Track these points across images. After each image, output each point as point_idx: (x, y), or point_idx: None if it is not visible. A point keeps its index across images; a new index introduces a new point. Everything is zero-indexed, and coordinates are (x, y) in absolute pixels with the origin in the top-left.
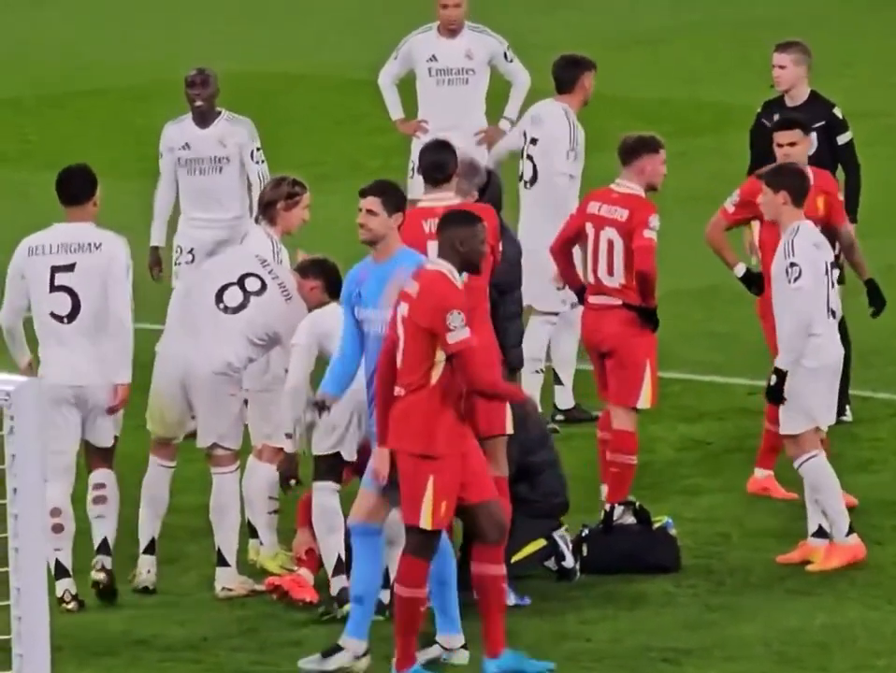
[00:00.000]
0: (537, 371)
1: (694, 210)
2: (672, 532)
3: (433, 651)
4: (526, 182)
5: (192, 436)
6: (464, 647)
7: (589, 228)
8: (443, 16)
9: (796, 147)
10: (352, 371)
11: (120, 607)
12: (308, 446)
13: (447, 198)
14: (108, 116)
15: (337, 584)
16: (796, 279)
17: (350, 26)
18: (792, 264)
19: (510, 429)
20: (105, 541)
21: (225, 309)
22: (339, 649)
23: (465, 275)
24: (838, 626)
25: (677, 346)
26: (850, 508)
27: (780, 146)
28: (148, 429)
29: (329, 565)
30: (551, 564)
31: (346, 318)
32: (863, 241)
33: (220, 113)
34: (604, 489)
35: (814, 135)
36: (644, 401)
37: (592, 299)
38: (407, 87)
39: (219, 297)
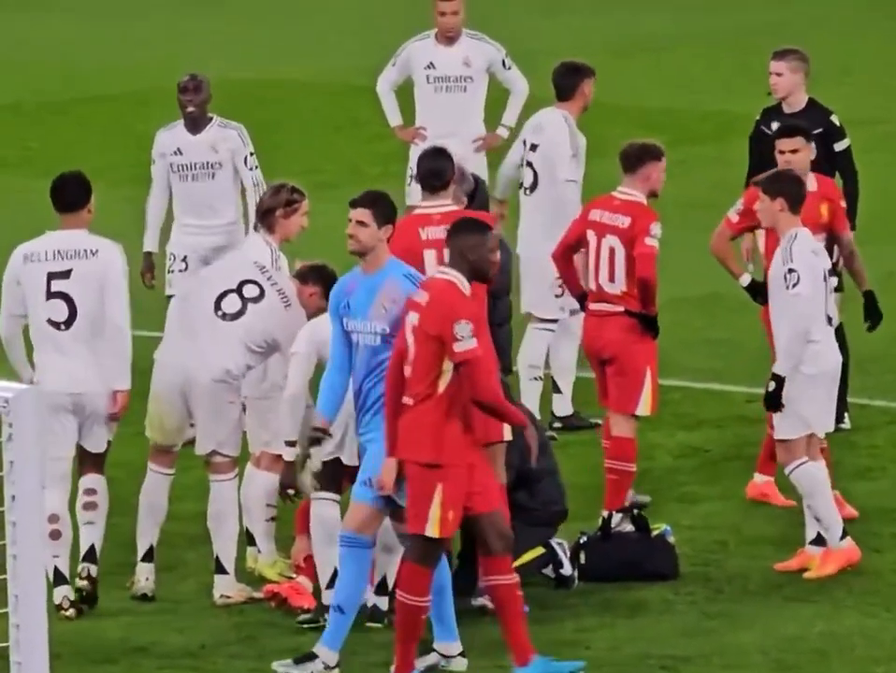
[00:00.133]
0: (535, 378)
1: (695, 218)
2: (671, 539)
3: (431, 659)
4: (526, 189)
5: (190, 443)
6: (462, 654)
7: (591, 235)
8: (441, 23)
9: (798, 154)
10: (344, 382)
11: (118, 614)
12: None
13: (444, 205)
14: (109, 122)
15: (329, 596)
16: (794, 285)
17: (350, 32)
18: (791, 270)
19: (508, 436)
20: (92, 548)
21: (224, 316)
22: (312, 656)
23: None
24: (836, 634)
25: (677, 353)
26: (850, 519)
27: (782, 153)
28: (147, 436)
29: (324, 576)
30: (549, 571)
31: (334, 329)
32: (862, 248)
33: (211, 119)
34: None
35: None
36: (644, 408)
37: (593, 306)
38: (406, 94)
39: (217, 304)
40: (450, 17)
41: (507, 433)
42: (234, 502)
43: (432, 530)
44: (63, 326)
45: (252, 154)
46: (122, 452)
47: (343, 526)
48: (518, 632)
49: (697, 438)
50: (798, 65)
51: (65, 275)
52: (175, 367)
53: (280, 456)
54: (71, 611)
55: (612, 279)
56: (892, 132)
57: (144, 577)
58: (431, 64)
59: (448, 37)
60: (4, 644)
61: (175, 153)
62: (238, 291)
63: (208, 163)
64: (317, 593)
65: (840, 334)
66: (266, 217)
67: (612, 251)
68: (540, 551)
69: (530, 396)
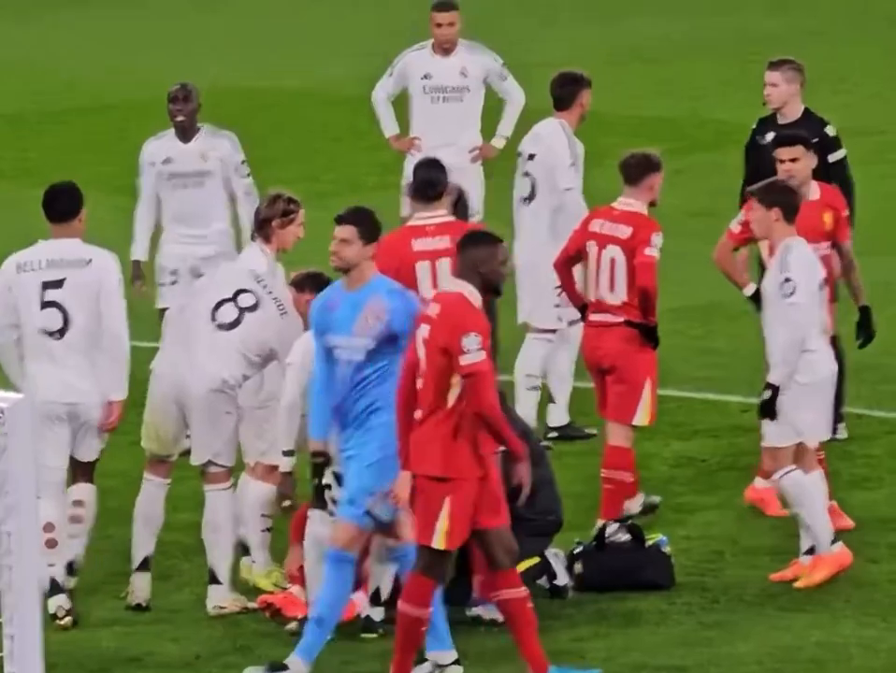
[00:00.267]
0: (533, 388)
1: (693, 228)
2: (666, 549)
3: (425, 669)
4: (524, 199)
5: (186, 453)
6: (456, 662)
7: (591, 246)
8: (437, 34)
9: (798, 163)
10: (333, 399)
11: (113, 624)
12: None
13: (438, 216)
14: (108, 132)
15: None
16: (791, 294)
17: (349, 42)
18: (787, 280)
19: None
20: (72, 563)
21: (220, 326)
22: (284, 667)
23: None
24: (833, 644)
25: (673, 363)
26: (847, 530)
27: (782, 162)
28: (143, 446)
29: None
30: (544, 581)
31: (317, 346)
32: (858, 259)
33: (201, 128)
34: (627, 502)
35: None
36: (642, 418)
37: (593, 317)
38: (402, 104)
39: (213, 314)
40: (446, 28)
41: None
42: (229, 512)
43: (439, 542)
44: (56, 335)
45: (243, 162)
46: (118, 462)
47: (330, 544)
48: (532, 645)
49: (693, 448)
50: (793, 76)
51: (59, 284)
52: (171, 378)
53: (275, 467)
54: (67, 620)
55: (612, 289)
56: (888, 143)
57: (139, 587)
58: (427, 74)
59: (444, 48)
60: None
61: (165, 162)
62: (234, 300)
63: (198, 171)
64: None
65: (836, 343)
66: (262, 227)
67: (612, 262)
68: (535, 560)
69: (527, 406)
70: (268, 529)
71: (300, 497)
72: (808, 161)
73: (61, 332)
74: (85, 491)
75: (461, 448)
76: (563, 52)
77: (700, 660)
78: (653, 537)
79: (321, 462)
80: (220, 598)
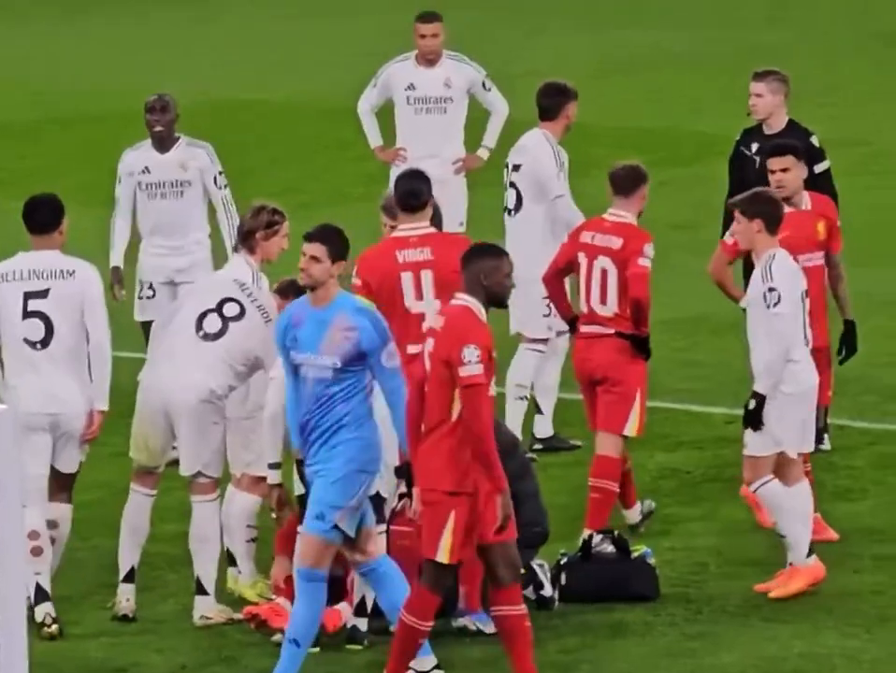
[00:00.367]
0: (521, 398)
1: (676, 240)
2: (651, 561)
3: None
4: (509, 210)
5: (173, 463)
6: (437, 667)
7: (582, 258)
8: (421, 46)
9: (789, 173)
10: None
11: (99, 635)
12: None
13: (421, 227)
14: (89, 143)
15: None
16: (776, 304)
17: (333, 54)
18: (771, 289)
19: None
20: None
21: (205, 337)
22: None
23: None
24: (816, 655)
25: (657, 375)
26: (830, 542)
27: (773, 172)
28: (131, 457)
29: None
30: (530, 593)
31: (283, 361)
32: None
33: (179, 138)
34: (627, 513)
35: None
36: (632, 429)
37: (584, 329)
38: (387, 115)
39: (198, 325)
40: (430, 39)
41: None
42: (216, 523)
43: (443, 556)
44: (39, 346)
45: (220, 173)
46: (103, 473)
47: (298, 561)
48: (526, 663)
49: (677, 460)
50: (778, 87)
51: (43, 294)
52: (159, 389)
53: (261, 478)
54: (54, 627)
55: (603, 301)
56: (873, 154)
57: (125, 598)
58: (412, 85)
59: (428, 59)
60: None
61: (143, 172)
62: (219, 310)
63: (177, 181)
64: None
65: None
66: (246, 238)
67: (604, 273)
68: (521, 572)
69: (515, 416)
70: (254, 540)
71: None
72: (799, 171)
73: (43, 342)
74: (60, 511)
75: (466, 461)
76: (548, 63)
77: (684, 671)
78: (638, 549)
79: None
80: (206, 609)
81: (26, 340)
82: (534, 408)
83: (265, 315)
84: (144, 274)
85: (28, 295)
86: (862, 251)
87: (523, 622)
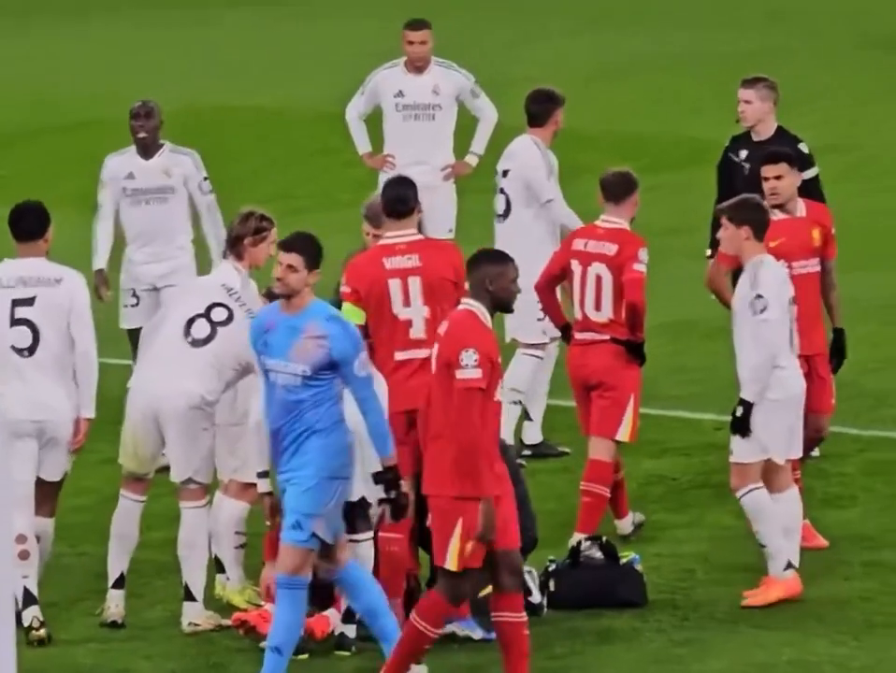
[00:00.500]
0: (515, 402)
1: (665, 246)
2: (639, 567)
3: None
4: (499, 216)
5: (161, 470)
6: (417, 661)
7: (575, 265)
8: (410, 52)
9: (782, 180)
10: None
11: (88, 641)
12: None
13: (408, 234)
14: (81, 149)
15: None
16: (763, 311)
17: (322, 60)
18: (758, 296)
19: None
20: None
21: (194, 343)
22: None
23: None
24: (805, 662)
25: (647, 380)
26: (820, 549)
27: (766, 179)
28: (120, 463)
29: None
30: None
31: (257, 365)
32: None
33: (163, 145)
34: (619, 524)
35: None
36: (624, 434)
37: (579, 335)
38: (375, 122)
39: (187, 330)
40: (418, 46)
41: None
42: (205, 529)
43: (451, 563)
44: (26, 353)
45: (205, 179)
46: (92, 479)
47: (278, 569)
48: (520, 670)
49: (664, 466)
50: (767, 93)
51: (30, 302)
52: (148, 396)
53: (249, 484)
54: (42, 631)
55: (598, 307)
56: (862, 160)
57: (114, 604)
58: (400, 92)
59: (417, 66)
60: None
61: (127, 177)
62: (207, 315)
63: (161, 187)
64: None
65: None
66: (235, 244)
67: (598, 279)
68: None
69: (507, 420)
70: (242, 546)
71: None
72: (793, 178)
73: (30, 350)
74: (42, 525)
75: None
76: (538, 69)
77: None
78: (626, 555)
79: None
80: (194, 615)
81: (13, 348)
82: (523, 414)
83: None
84: (128, 282)
85: (15, 303)
86: (852, 257)
87: (522, 629)
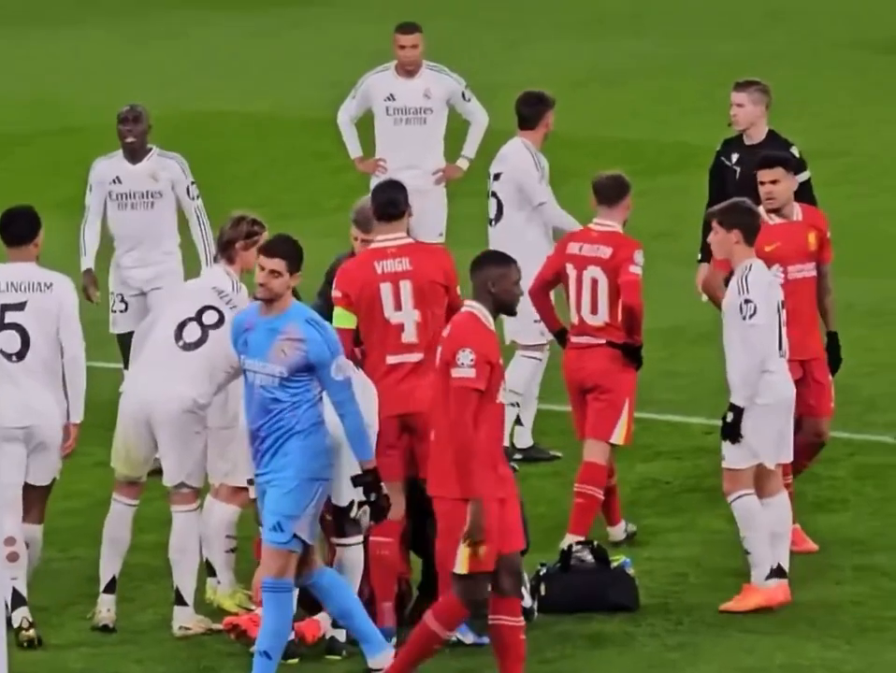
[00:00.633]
0: (513, 404)
1: (655, 250)
2: (630, 571)
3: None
4: (491, 220)
5: (153, 473)
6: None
7: (570, 269)
8: (401, 56)
9: (779, 184)
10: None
11: (78, 645)
12: None
13: (399, 238)
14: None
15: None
16: (751, 316)
17: (312, 65)
18: (747, 301)
19: None
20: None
21: (185, 346)
22: None
23: None
24: (797, 666)
25: (638, 385)
26: (810, 553)
27: (762, 184)
28: (112, 467)
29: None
30: None
31: (240, 364)
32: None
33: (151, 149)
34: (611, 530)
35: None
36: (619, 437)
37: (575, 339)
38: (366, 126)
39: (178, 334)
40: (409, 50)
41: None
42: (196, 533)
43: (461, 567)
44: (14, 358)
45: (193, 184)
46: (84, 483)
47: (262, 573)
48: None
49: (656, 470)
50: (759, 97)
51: (20, 307)
52: (140, 400)
53: (240, 488)
54: (32, 631)
55: (594, 310)
56: (852, 164)
57: (106, 608)
58: (391, 95)
59: (408, 70)
60: None
61: (114, 182)
62: (198, 319)
63: (148, 192)
64: None
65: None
66: (226, 248)
67: (594, 283)
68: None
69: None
70: (233, 550)
71: None
72: (789, 182)
73: (19, 354)
74: (30, 532)
75: (477, 468)
76: (529, 74)
77: None
78: (617, 559)
79: None
80: (185, 619)
81: (2, 352)
82: (514, 418)
83: None
84: (116, 286)
85: (5, 308)
86: (843, 262)
87: (518, 634)
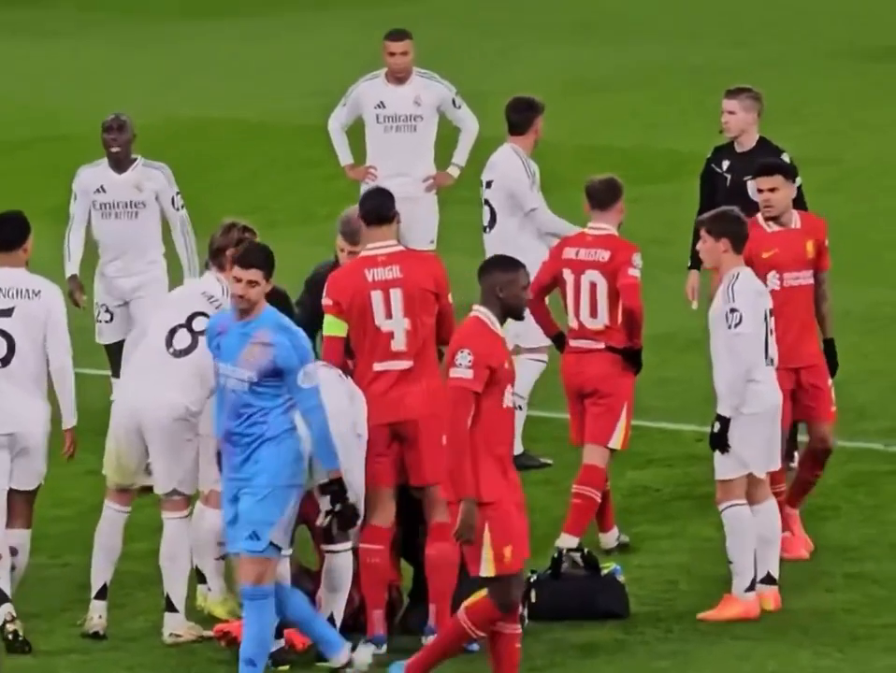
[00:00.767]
0: (517, 408)
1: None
2: (621, 578)
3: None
4: (485, 227)
5: (143, 490)
6: (354, 648)
7: (567, 274)
8: (391, 64)
9: (777, 193)
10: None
11: (68, 651)
12: None
13: (389, 246)
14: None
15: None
16: (737, 325)
17: (303, 73)
18: (732, 310)
19: None
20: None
21: (176, 353)
22: None
23: None
24: None
25: None
26: (801, 560)
27: (761, 191)
28: (104, 474)
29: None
30: None
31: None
32: None
33: (136, 159)
34: (603, 537)
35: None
36: (617, 441)
37: (574, 343)
38: (357, 133)
39: (168, 341)
40: (399, 57)
41: None
42: (187, 540)
43: (487, 570)
44: (0, 364)
45: (178, 194)
46: (73, 490)
47: (241, 581)
48: None
49: (647, 477)
50: (751, 104)
51: (8, 313)
52: (132, 407)
53: None
54: (18, 623)
55: (594, 314)
56: (844, 172)
57: (97, 614)
58: (381, 103)
59: (398, 77)
60: None
61: (98, 191)
62: (188, 325)
63: (131, 202)
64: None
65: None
66: (216, 255)
67: (593, 287)
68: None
69: None
70: (224, 557)
71: None
72: (788, 190)
73: (4, 360)
74: (19, 537)
75: (487, 473)
76: (519, 81)
77: None
78: (607, 566)
79: None
80: (176, 626)
81: None
82: None
83: None
84: (101, 296)
85: None
86: (834, 269)
87: (514, 642)
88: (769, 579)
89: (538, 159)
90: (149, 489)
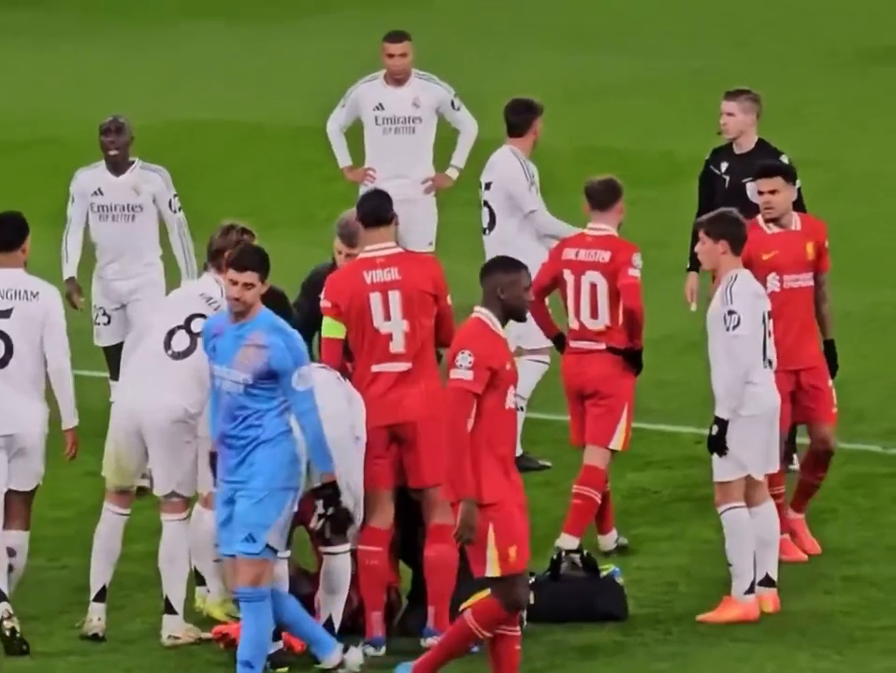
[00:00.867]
0: (518, 409)
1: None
2: (619, 580)
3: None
4: (484, 229)
5: (140, 492)
6: (345, 649)
7: (567, 275)
8: (390, 65)
9: (777, 195)
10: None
11: (67, 653)
12: None
13: (387, 248)
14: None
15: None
16: (734, 327)
17: (302, 74)
18: (730, 312)
19: None
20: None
21: (174, 356)
22: None
23: None
24: None
25: None
26: (799, 562)
27: (761, 193)
28: (103, 476)
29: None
30: None
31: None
32: None
33: (133, 162)
34: (602, 539)
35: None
36: (618, 442)
37: (574, 344)
38: (356, 135)
39: (167, 343)
40: (398, 59)
41: None
42: (186, 542)
43: (493, 570)
44: None
45: (175, 196)
46: (72, 492)
47: (238, 584)
48: None
49: (646, 479)
50: (750, 106)
51: (6, 314)
52: (131, 410)
53: None
54: (15, 620)
55: (594, 315)
56: (843, 174)
57: (96, 616)
58: (380, 105)
59: (397, 79)
60: None
61: (95, 193)
62: (187, 327)
63: (129, 205)
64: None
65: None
66: (215, 257)
67: (593, 287)
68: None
69: None
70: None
71: None
72: (788, 193)
73: (2, 362)
74: (17, 539)
75: (489, 474)
76: (518, 84)
77: None
78: (606, 568)
79: None
80: (174, 628)
81: None
82: None
83: None
84: (98, 300)
85: None
86: (834, 271)
87: (514, 644)
88: (767, 582)
89: (537, 161)
90: (143, 489)
